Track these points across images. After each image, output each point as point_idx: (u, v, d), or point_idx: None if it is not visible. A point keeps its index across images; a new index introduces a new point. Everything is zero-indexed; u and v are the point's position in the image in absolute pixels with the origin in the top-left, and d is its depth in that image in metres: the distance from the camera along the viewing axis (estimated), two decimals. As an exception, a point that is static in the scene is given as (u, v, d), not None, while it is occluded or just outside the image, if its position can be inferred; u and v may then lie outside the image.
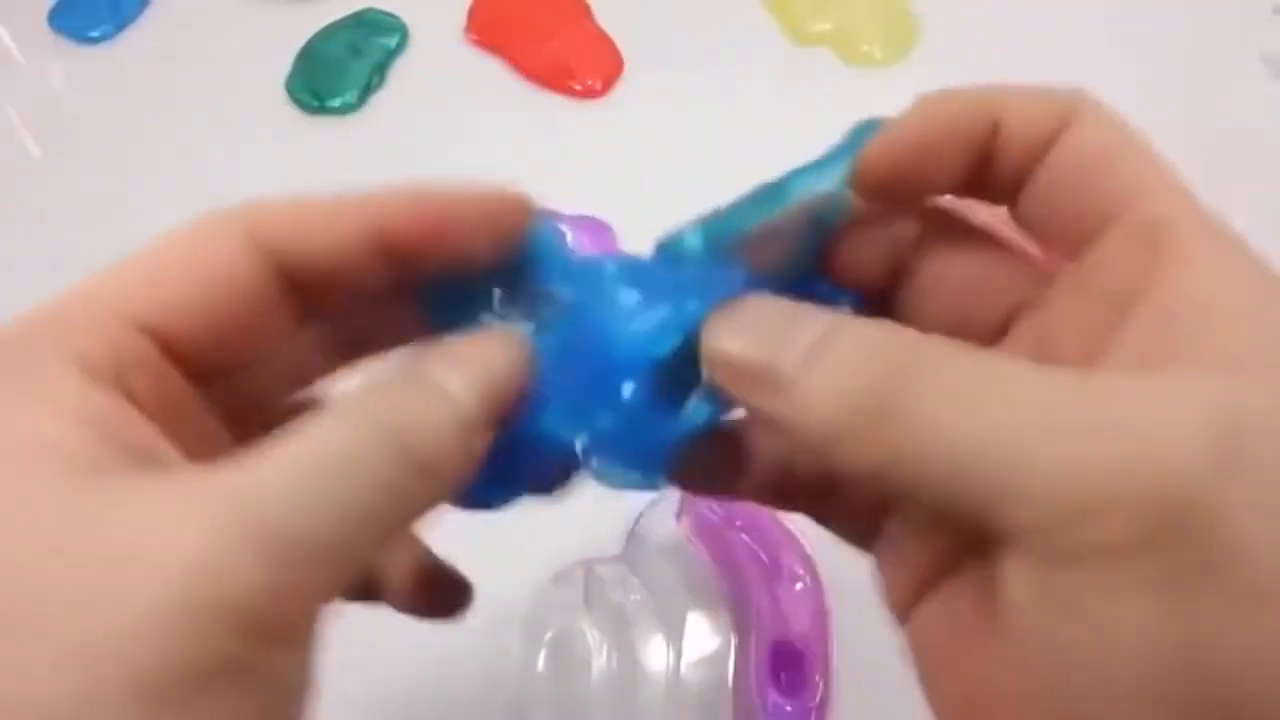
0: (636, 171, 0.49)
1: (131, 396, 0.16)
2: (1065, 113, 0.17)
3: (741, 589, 0.35)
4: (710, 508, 0.37)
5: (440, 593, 0.24)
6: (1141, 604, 0.13)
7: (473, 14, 0.55)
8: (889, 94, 0.59)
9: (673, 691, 0.34)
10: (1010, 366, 0.14)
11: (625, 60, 0.53)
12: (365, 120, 0.52)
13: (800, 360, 0.15)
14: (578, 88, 0.52)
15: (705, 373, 0.17)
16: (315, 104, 0.52)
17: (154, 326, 0.16)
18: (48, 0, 0.57)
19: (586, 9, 0.55)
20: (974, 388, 0.14)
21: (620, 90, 0.53)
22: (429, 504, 0.16)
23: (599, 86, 0.52)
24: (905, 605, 0.18)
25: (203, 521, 0.14)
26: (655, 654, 0.35)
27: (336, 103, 0.52)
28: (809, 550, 0.36)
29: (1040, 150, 0.17)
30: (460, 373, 0.17)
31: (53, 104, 0.55)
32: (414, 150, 0.51)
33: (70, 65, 0.56)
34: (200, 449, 0.17)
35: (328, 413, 0.15)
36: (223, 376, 0.18)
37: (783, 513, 0.37)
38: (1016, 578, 0.14)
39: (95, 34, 0.56)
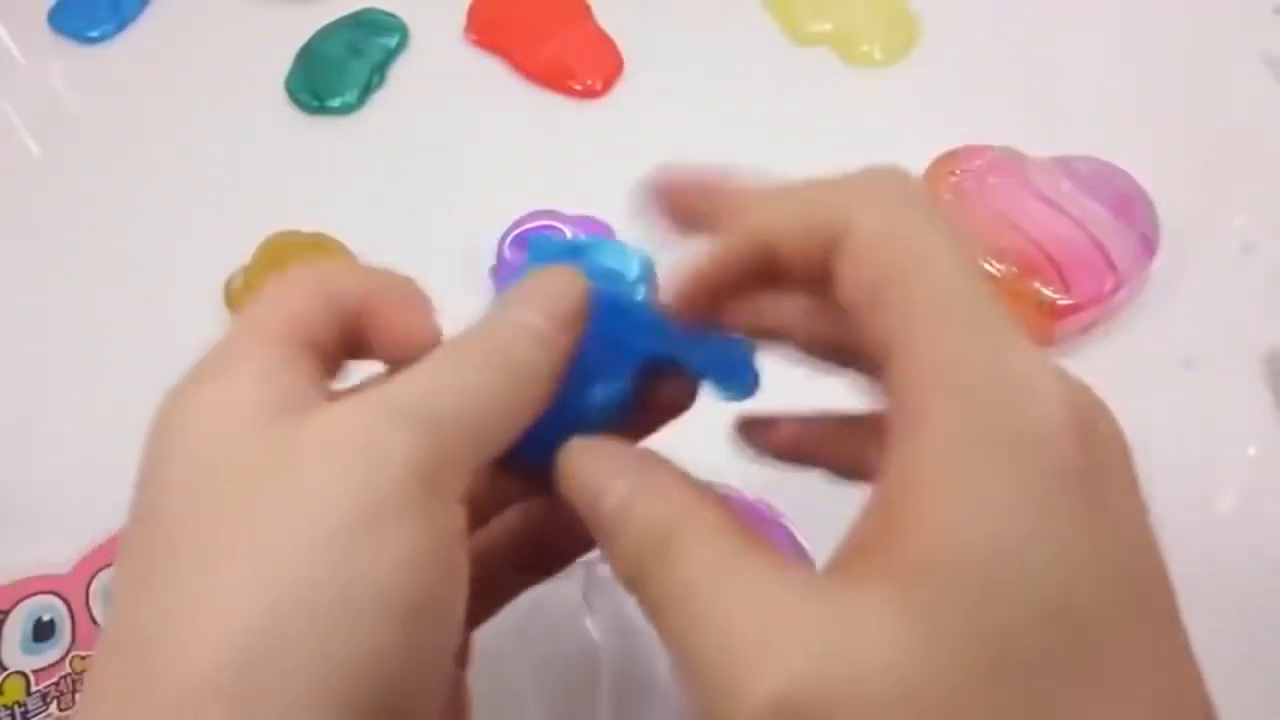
0: (636, 171, 0.49)
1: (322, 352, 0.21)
2: (828, 238, 0.19)
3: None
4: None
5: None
6: None
7: (473, 14, 0.55)
8: (888, 94, 0.59)
9: (673, 692, 0.34)
10: (713, 571, 0.17)
11: (625, 60, 0.53)
12: (365, 120, 0.52)
13: (612, 507, 0.19)
14: (578, 88, 0.52)
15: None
16: (315, 104, 0.52)
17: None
18: (48, 0, 0.57)
19: (586, 9, 0.55)
20: (703, 582, 0.17)
21: (620, 90, 0.53)
22: (529, 405, 0.20)
23: (599, 86, 0.52)
24: None
25: (361, 415, 0.18)
26: (657, 654, 0.35)
27: (336, 103, 0.52)
28: (806, 546, 0.36)
29: (818, 275, 0.19)
30: (533, 305, 0.21)
31: (53, 104, 0.55)
32: (414, 150, 0.51)
33: (70, 65, 0.56)
34: None
35: (442, 346, 0.20)
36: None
37: (779, 509, 0.37)
38: None
39: (95, 34, 0.56)
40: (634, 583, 0.18)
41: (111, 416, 0.45)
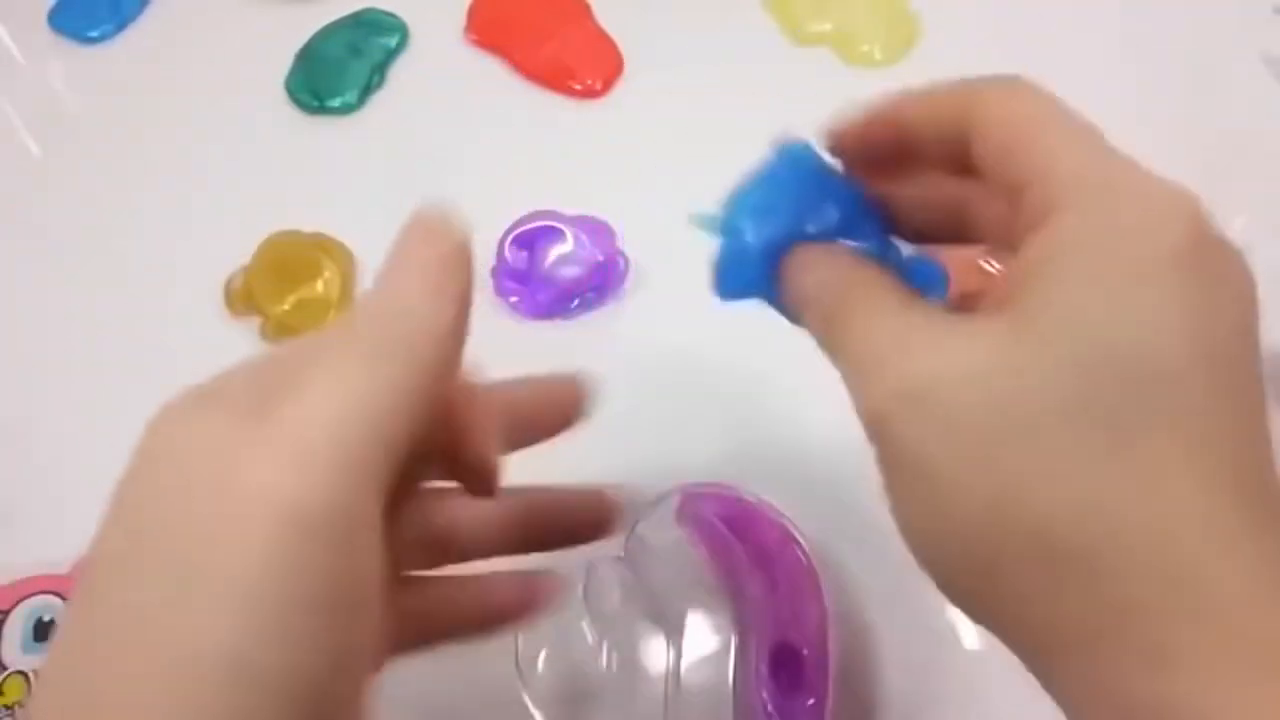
0: (636, 171, 0.49)
1: None
2: (960, 115, 0.22)
3: (741, 589, 0.35)
4: (711, 510, 0.37)
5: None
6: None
7: (473, 14, 0.55)
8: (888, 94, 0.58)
9: (672, 692, 0.34)
10: (889, 312, 0.21)
11: (625, 60, 0.53)
12: (365, 120, 0.52)
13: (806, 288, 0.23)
14: (578, 88, 0.52)
15: None
16: (315, 104, 0.52)
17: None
18: (48, 0, 0.57)
19: (586, 9, 0.55)
20: (872, 317, 0.21)
21: (620, 90, 0.53)
22: (427, 385, 0.21)
23: (599, 86, 0.52)
24: None
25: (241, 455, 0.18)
26: (655, 655, 0.35)
27: (336, 103, 0.52)
28: (809, 550, 0.36)
29: (952, 133, 0.22)
30: (405, 274, 0.22)
31: (53, 104, 0.55)
32: (414, 150, 0.51)
33: (70, 65, 0.56)
34: None
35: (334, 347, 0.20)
36: None
37: (782, 510, 0.37)
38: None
39: (95, 34, 0.56)
40: (820, 337, 0.23)
41: (111, 416, 0.45)
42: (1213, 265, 0.18)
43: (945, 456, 0.19)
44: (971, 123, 0.21)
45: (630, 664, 0.35)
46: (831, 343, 0.22)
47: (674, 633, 0.35)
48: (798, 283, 0.23)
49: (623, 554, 0.36)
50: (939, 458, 0.19)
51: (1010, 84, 0.22)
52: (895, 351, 0.20)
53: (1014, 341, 0.18)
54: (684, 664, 0.34)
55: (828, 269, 0.23)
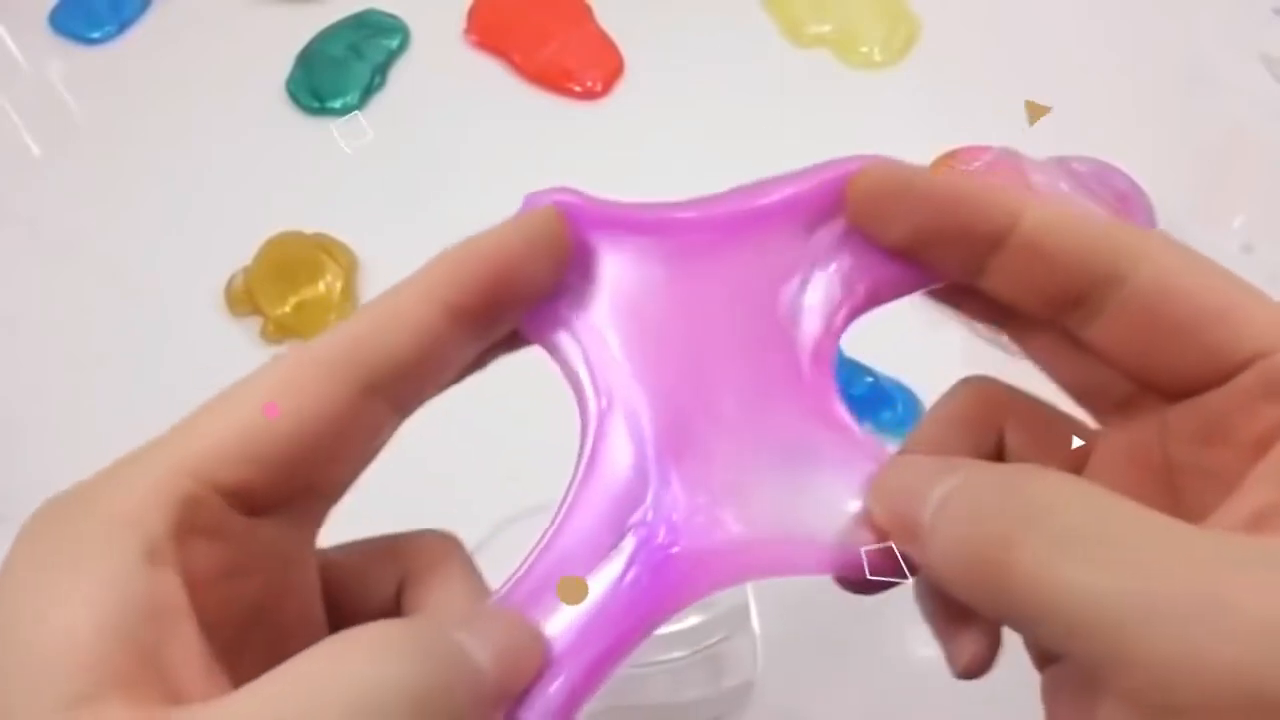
0: (636, 172, 0.49)
1: (191, 566, 0.16)
2: (1132, 250, 0.18)
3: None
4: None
5: None
6: None
7: (473, 15, 0.55)
8: (888, 94, 0.59)
9: None
10: (1118, 517, 0.15)
11: (625, 60, 0.53)
12: (366, 121, 0.52)
13: (930, 517, 0.17)
14: (578, 88, 0.52)
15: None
16: (316, 105, 0.52)
17: (236, 480, 0.17)
18: (48, 0, 0.57)
19: (586, 9, 0.55)
20: (1084, 541, 0.15)
21: (620, 90, 0.53)
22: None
23: (599, 87, 0.52)
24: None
25: None
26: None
27: (337, 104, 0.52)
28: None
29: (1101, 280, 0.18)
30: (489, 646, 0.16)
31: (53, 104, 0.55)
32: (414, 151, 0.51)
33: (70, 65, 0.56)
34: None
35: (354, 648, 0.15)
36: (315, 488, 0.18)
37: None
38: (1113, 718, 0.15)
39: (96, 34, 0.56)
40: (986, 563, 0.15)
41: (111, 416, 0.45)
42: None
43: None
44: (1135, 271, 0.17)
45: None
46: (1021, 574, 0.15)
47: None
48: (917, 504, 0.17)
49: None
50: None
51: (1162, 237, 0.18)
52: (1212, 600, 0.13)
53: None
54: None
55: (976, 470, 0.17)
